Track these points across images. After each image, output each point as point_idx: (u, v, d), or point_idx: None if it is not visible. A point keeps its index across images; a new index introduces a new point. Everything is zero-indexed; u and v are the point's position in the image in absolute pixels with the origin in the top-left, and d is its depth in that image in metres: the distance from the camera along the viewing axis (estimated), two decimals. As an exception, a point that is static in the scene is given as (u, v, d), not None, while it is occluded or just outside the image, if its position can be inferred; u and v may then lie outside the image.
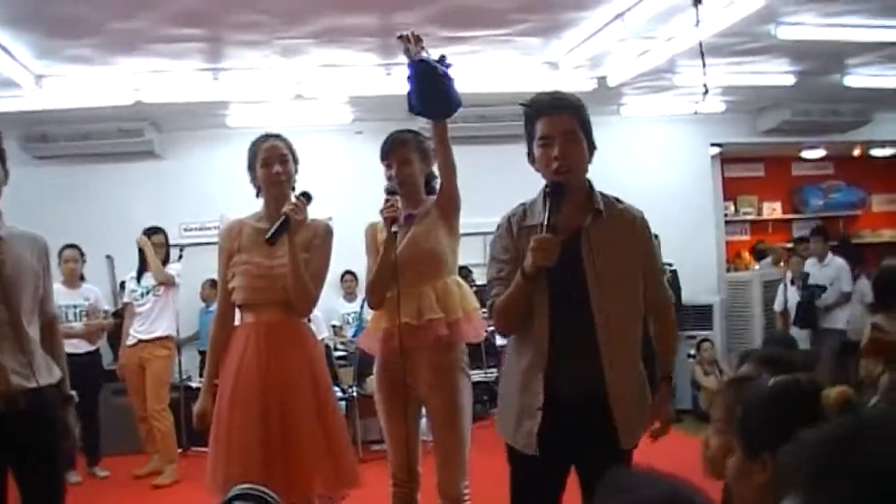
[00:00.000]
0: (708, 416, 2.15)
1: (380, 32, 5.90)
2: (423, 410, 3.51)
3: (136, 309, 6.59)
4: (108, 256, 8.18)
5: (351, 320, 8.16)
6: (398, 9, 5.52)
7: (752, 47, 6.71)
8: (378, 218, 3.40)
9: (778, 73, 7.71)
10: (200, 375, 5.58)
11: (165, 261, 6.71)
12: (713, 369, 8.25)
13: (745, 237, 11.21)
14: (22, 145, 7.65)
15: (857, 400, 1.58)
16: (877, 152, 10.75)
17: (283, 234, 3.26)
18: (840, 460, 0.95)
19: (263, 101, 7.58)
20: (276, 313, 3.36)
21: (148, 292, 6.58)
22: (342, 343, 7.99)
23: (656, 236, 9.41)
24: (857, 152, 10.79)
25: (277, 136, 3.48)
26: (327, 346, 7.51)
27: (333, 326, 8.22)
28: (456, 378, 3.37)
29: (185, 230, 8.31)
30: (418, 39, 3.24)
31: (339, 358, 7.78)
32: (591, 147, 2.71)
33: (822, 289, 8.06)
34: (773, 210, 11.30)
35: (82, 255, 6.75)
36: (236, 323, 3.49)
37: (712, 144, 9.78)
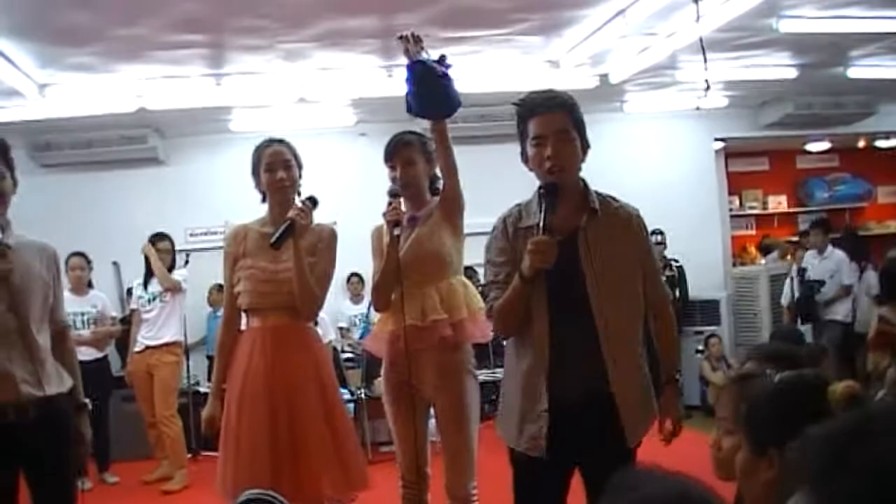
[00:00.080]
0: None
1: (381, 34, 5.90)
2: (432, 411, 3.52)
3: (143, 315, 6.61)
4: (115, 263, 8.20)
5: (358, 322, 8.17)
6: (399, 10, 5.52)
7: (753, 41, 6.70)
8: (381, 220, 3.40)
9: (780, 67, 7.69)
10: (208, 380, 5.59)
11: (171, 267, 6.72)
12: (721, 365, 8.24)
13: (751, 231, 11.18)
14: (27, 154, 7.67)
15: (863, 394, 1.58)
16: (882, 143, 10.72)
17: (288, 238, 3.27)
18: (846, 456, 0.95)
19: (266, 106, 7.59)
20: (282, 317, 3.37)
21: (154, 298, 6.60)
22: (349, 345, 8.01)
23: (661, 232, 9.48)
24: (861, 144, 10.77)
25: (281, 141, 3.48)
26: (335, 349, 7.52)
27: (340, 328, 8.22)
28: (462, 379, 3.37)
29: (191, 236, 8.33)
30: (418, 40, 3.24)
31: (347, 360, 7.79)
32: (585, 146, 2.70)
33: (821, 283, 8.04)
34: (778, 203, 11.27)
35: (89, 262, 6.78)
36: (242, 327, 3.51)
37: (716, 139, 9.77)
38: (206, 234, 8.30)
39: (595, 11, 5.79)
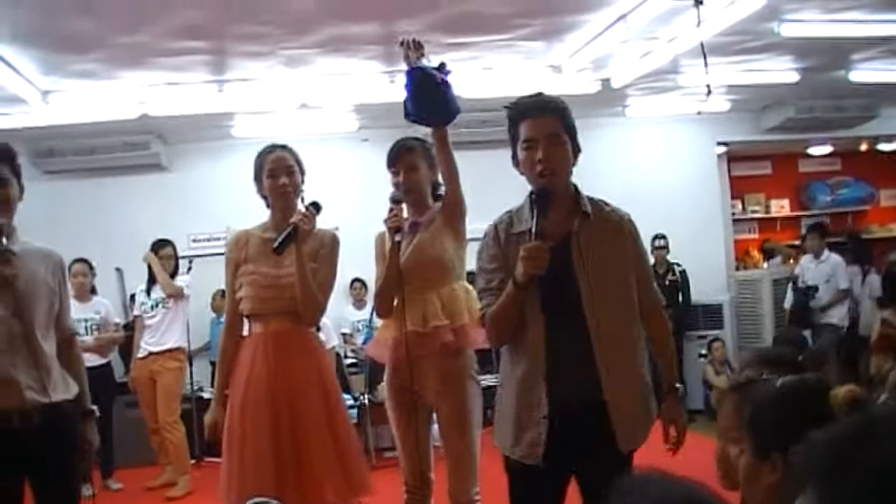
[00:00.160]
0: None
1: (383, 40, 5.92)
2: (434, 416, 3.52)
3: (146, 321, 6.63)
4: (118, 269, 8.21)
5: (361, 328, 8.16)
6: (401, 17, 5.53)
7: (755, 45, 6.70)
8: (383, 226, 3.41)
9: (782, 71, 7.69)
10: (212, 386, 5.60)
11: (174, 273, 6.74)
12: (724, 368, 8.23)
13: (754, 235, 11.17)
14: (30, 161, 7.68)
15: (865, 398, 1.58)
16: (884, 147, 10.71)
17: (291, 243, 3.27)
18: (850, 459, 0.95)
19: (268, 112, 7.60)
20: (285, 323, 3.37)
21: (157, 304, 6.61)
22: (353, 351, 8.00)
23: (664, 236, 9.46)
24: (863, 147, 10.76)
25: (283, 147, 3.49)
26: (338, 354, 7.53)
27: (343, 334, 8.22)
28: (465, 384, 3.37)
29: (194, 241, 8.34)
30: (419, 46, 3.24)
31: (350, 365, 7.80)
32: (576, 150, 2.69)
33: (815, 289, 8.03)
34: (780, 207, 11.26)
35: (91, 268, 6.80)
36: (244, 333, 3.51)
37: (718, 143, 9.77)
38: (208, 240, 8.30)
39: (597, 16, 5.80)
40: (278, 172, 3.40)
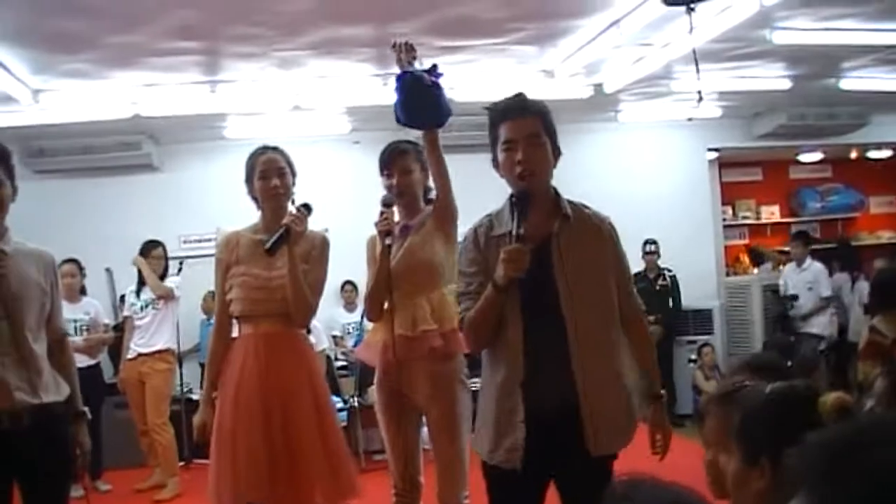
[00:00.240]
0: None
1: (376, 43, 5.92)
2: (424, 419, 3.51)
3: (136, 322, 6.61)
4: (108, 270, 8.18)
5: (351, 330, 8.16)
6: (394, 19, 5.53)
7: (747, 52, 6.73)
8: (374, 229, 3.41)
9: (774, 78, 7.72)
10: (201, 388, 5.58)
11: (164, 274, 6.73)
12: (714, 374, 8.26)
13: (744, 241, 11.21)
14: (21, 160, 7.63)
15: (853, 406, 1.59)
16: (874, 154, 10.77)
17: (283, 244, 3.27)
18: (846, 462, 0.96)
19: (261, 113, 7.59)
20: (275, 325, 3.37)
21: (147, 305, 6.60)
22: (343, 353, 8.00)
23: (655, 242, 9.47)
24: (854, 155, 10.81)
25: (275, 149, 3.49)
26: (328, 357, 7.52)
27: (334, 337, 8.21)
28: (454, 389, 3.37)
29: (185, 242, 8.31)
30: (410, 49, 3.24)
31: (341, 368, 7.79)
32: (556, 152, 2.66)
33: (794, 297, 8.05)
34: (771, 214, 11.30)
35: (81, 269, 6.77)
36: (234, 335, 3.50)
37: (709, 149, 9.81)
38: (199, 241, 8.28)
39: (590, 21, 5.81)
40: (269, 174, 3.39)
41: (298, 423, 3.30)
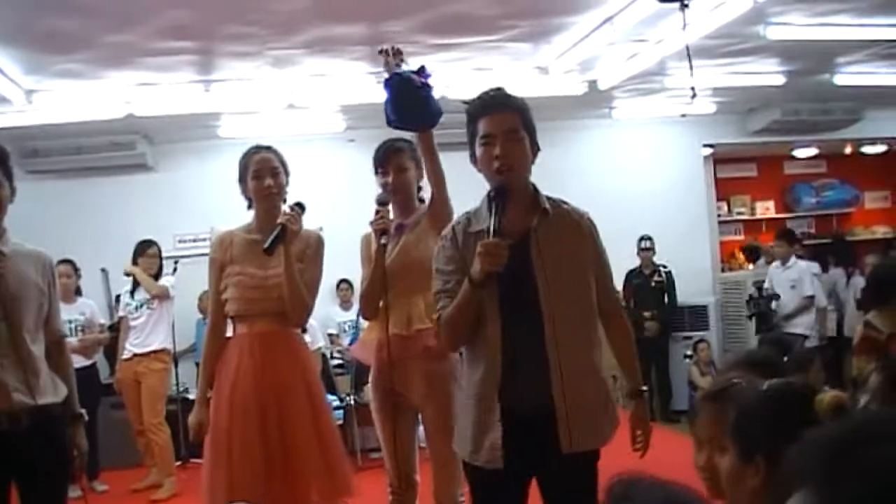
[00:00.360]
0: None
1: (370, 41, 5.91)
2: (420, 419, 3.52)
3: (131, 322, 6.60)
4: (103, 270, 8.17)
5: (347, 329, 8.16)
6: (388, 18, 5.53)
7: (741, 48, 6.74)
8: (369, 227, 3.41)
9: (768, 74, 7.74)
10: (197, 387, 5.58)
11: (159, 273, 6.72)
12: (710, 370, 8.27)
13: (739, 237, 11.23)
14: (14, 160, 7.61)
15: (850, 404, 1.59)
16: (868, 149, 10.78)
17: (280, 244, 3.27)
18: (850, 459, 0.96)
19: (255, 112, 7.59)
20: (270, 324, 3.37)
21: (142, 306, 6.59)
22: (339, 351, 7.99)
23: (650, 238, 9.47)
24: (848, 150, 10.83)
25: (268, 149, 3.48)
26: (324, 355, 7.51)
27: (330, 335, 8.21)
28: (449, 388, 3.36)
29: (180, 242, 8.31)
30: (397, 53, 3.24)
31: (337, 366, 7.79)
32: (535, 148, 2.64)
33: (776, 297, 8.03)
34: (766, 209, 11.32)
35: (76, 269, 6.77)
36: (229, 334, 3.50)
37: (704, 145, 9.82)
38: (194, 240, 8.28)
39: (583, 18, 5.81)
40: (263, 174, 3.39)
41: (294, 421, 3.30)
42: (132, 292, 6.68)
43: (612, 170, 9.27)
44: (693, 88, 5.97)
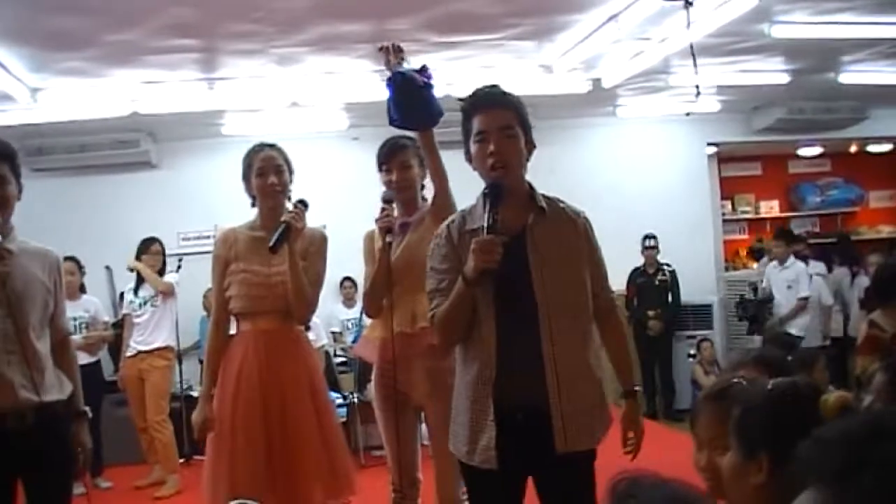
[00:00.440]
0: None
1: (374, 39, 5.88)
2: (423, 416, 3.52)
3: (135, 320, 6.62)
4: (107, 267, 8.18)
5: (350, 326, 8.16)
6: (392, 16, 5.52)
7: (745, 46, 6.72)
8: (373, 225, 3.41)
9: (772, 72, 7.72)
10: (201, 384, 5.59)
11: (162, 270, 6.74)
12: (713, 368, 8.27)
13: (743, 236, 11.22)
14: (20, 159, 7.63)
15: (855, 404, 1.59)
16: (873, 148, 10.76)
17: (284, 241, 3.27)
18: (863, 455, 0.96)
19: (259, 110, 7.59)
20: (273, 321, 3.38)
21: (145, 303, 6.61)
22: (342, 349, 8.00)
23: (654, 236, 9.45)
24: (853, 149, 10.80)
25: (272, 146, 3.49)
26: (327, 353, 7.52)
27: (333, 333, 8.21)
28: (452, 386, 3.36)
29: (184, 240, 8.32)
30: (398, 50, 3.24)
31: (340, 364, 7.79)
32: (530, 145, 2.63)
33: (769, 300, 8.02)
34: (770, 208, 11.30)
35: (81, 267, 6.78)
36: (232, 332, 3.51)
37: (708, 144, 9.80)
38: (198, 237, 8.29)
39: (588, 16, 5.80)
40: (267, 171, 3.39)
41: (297, 419, 3.31)
42: (136, 290, 6.69)
43: (617, 168, 9.26)
44: (697, 87, 5.96)
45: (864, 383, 2.67)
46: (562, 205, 2.71)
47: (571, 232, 2.66)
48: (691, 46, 5.36)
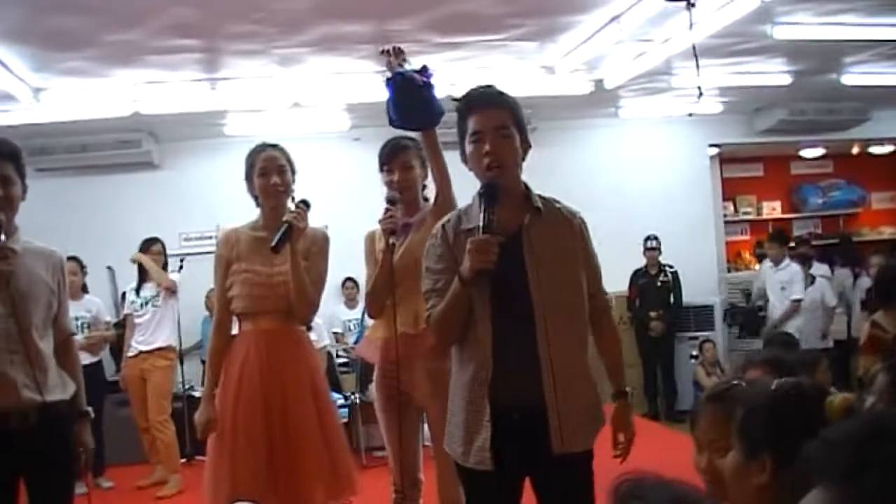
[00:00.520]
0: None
1: (376, 40, 5.90)
2: (424, 417, 3.51)
3: (136, 320, 6.62)
4: (109, 268, 8.19)
5: (352, 327, 8.16)
6: (393, 16, 5.52)
7: (748, 47, 6.72)
8: (375, 226, 3.40)
9: (774, 73, 7.72)
10: (203, 385, 5.59)
11: (163, 270, 6.73)
12: (715, 370, 8.27)
13: (745, 237, 11.22)
14: (24, 159, 7.64)
15: (859, 406, 1.60)
16: (876, 150, 10.76)
17: (287, 242, 3.27)
18: (870, 454, 0.97)
19: (261, 110, 7.59)
20: (275, 322, 3.37)
21: (147, 303, 6.61)
22: (344, 350, 8.00)
23: (656, 237, 9.45)
24: (855, 150, 10.80)
25: (275, 146, 3.49)
26: (329, 353, 7.52)
27: (335, 333, 8.22)
28: (453, 386, 3.37)
29: (185, 240, 8.34)
30: (399, 52, 3.24)
31: (342, 365, 7.79)
32: (526, 145, 2.62)
33: (760, 308, 8.00)
34: (772, 210, 11.30)
35: (83, 267, 6.78)
36: (234, 332, 3.51)
37: (710, 145, 9.80)
38: (200, 238, 8.30)
39: (590, 17, 5.80)
40: (269, 171, 3.39)
41: (299, 419, 3.31)
42: (137, 290, 6.69)
43: (618, 169, 9.26)
44: (699, 88, 5.95)
45: (866, 384, 2.66)
46: (557, 205, 2.70)
47: (567, 232, 2.65)
48: (693, 47, 5.36)
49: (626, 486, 1.19)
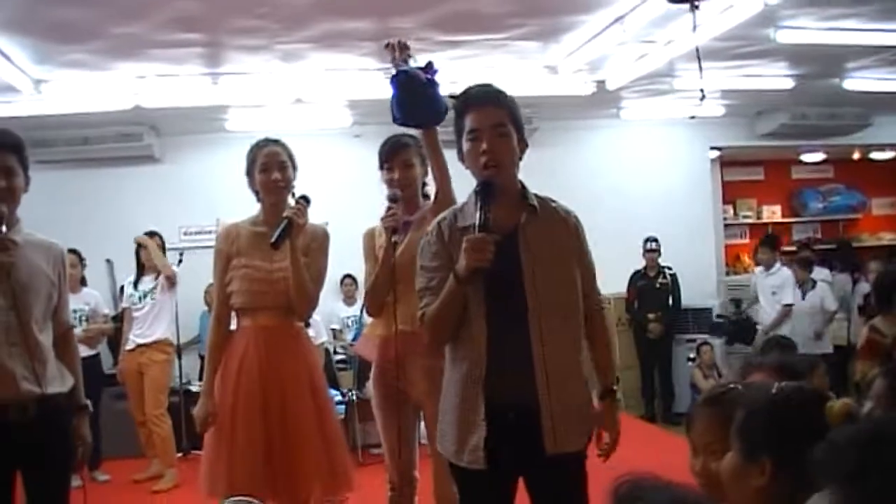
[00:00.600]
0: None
1: (378, 37, 5.88)
2: (421, 415, 3.51)
3: (134, 313, 6.62)
4: (108, 261, 8.19)
5: (351, 324, 8.16)
6: (396, 13, 5.52)
7: (750, 51, 6.72)
8: (375, 223, 3.40)
9: (777, 77, 7.71)
10: (200, 379, 5.59)
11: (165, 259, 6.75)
12: (713, 372, 8.26)
13: (745, 241, 11.21)
14: (27, 151, 7.63)
15: (857, 411, 1.60)
16: (876, 155, 10.76)
17: (286, 237, 3.27)
18: (876, 457, 0.99)
19: (262, 106, 7.59)
20: (274, 317, 3.38)
21: (145, 296, 6.61)
22: (342, 347, 8.00)
23: (656, 239, 9.45)
24: (856, 156, 10.81)
25: (276, 142, 3.49)
26: (327, 350, 7.52)
27: (333, 330, 8.21)
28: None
29: (185, 234, 8.34)
30: (404, 48, 3.23)
31: (339, 362, 7.79)
32: (523, 143, 2.61)
33: (747, 319, 8.00)
34: (772, 213, 11.30)
35: (82, 259, 6.78)
36: (233, 327, 3.51)
37: (711, 148, 9.81)
38: (200, 232, 8.29)
39: (593, 18, 5.80)
40: (271, 167, 3.39)
41: (297, 415, 3.31)
42: (135, 283, 6.70)
43: (619, 170, 9.26)
44: (702, 90, 5.95)
45: (864, 389, 2.67)
46: (553, 204, 2.70)
47: (563, 231, 2.65)
48: (696, 50, 5.35)
49: (627, 488, 1.20)
